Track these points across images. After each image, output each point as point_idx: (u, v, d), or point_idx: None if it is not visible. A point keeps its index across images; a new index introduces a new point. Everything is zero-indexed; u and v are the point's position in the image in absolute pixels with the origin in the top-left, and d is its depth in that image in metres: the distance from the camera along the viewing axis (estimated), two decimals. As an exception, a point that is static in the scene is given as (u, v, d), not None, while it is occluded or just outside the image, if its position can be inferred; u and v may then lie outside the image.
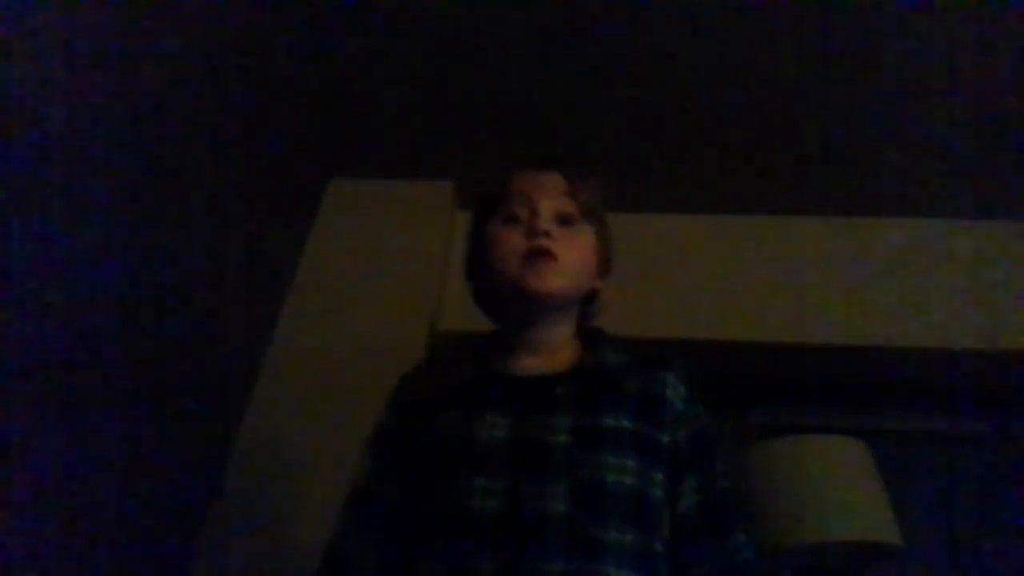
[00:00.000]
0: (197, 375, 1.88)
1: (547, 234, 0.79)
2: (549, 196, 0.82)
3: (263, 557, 1.32)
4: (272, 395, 1.55)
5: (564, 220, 0.82)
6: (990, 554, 1.61)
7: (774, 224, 1.89)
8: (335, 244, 1.81)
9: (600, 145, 1.75)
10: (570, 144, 1.75)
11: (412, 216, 1.85)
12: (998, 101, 1.52)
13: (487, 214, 0.86)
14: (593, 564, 0.64)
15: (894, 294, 1.73)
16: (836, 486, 1.26)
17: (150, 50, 1.54)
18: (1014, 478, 1.68)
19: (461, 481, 0.69)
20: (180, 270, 1.94)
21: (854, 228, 1.85)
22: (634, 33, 1.47)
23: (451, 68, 1.60)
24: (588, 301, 0.87)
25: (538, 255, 0.78)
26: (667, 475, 0.73)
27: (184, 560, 1.36)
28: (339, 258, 1.78)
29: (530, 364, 0.80)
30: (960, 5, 1.34)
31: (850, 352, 1.69)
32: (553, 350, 0.81)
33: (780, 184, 1.82)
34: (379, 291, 1.71)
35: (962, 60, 1.45)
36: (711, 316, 1.74)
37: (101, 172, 1.71)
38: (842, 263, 1.80)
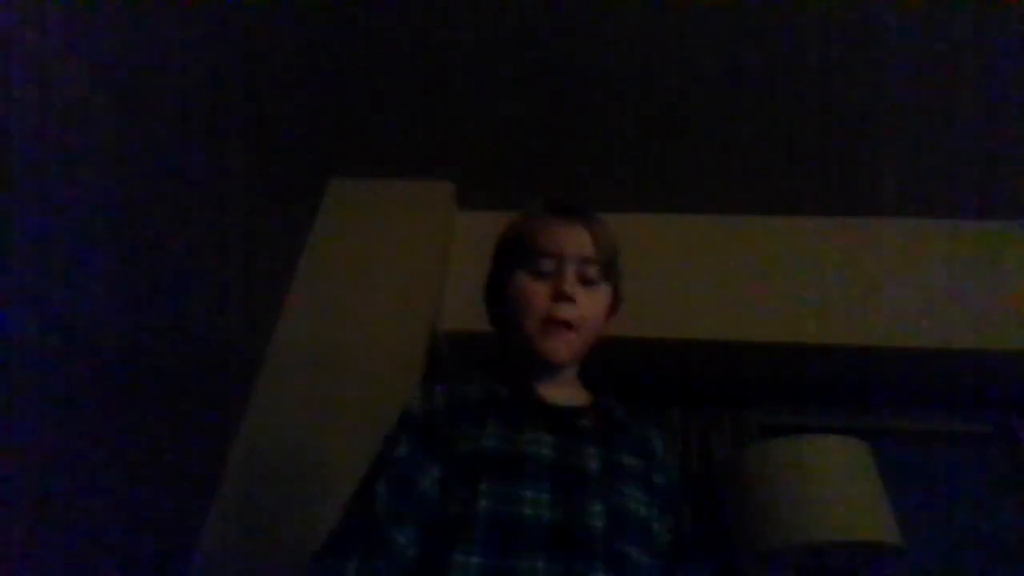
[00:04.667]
0: (197, 374, 1.88)
1: (571, 299, 0.86)
2: (575, 255, 0.89)
3: (263, 557, 1.32)
4: (272, 395, 1.55)
5: (586, 282, 0.90)
6: (990, 554, 1.61)
7: (774, 224, 1.89)
8: (335, 243, 1.81)
9: (600, 145, 1.75)
10: (570, 144, 1.75)
11: (412, 216, 1.85)
12: (998, 101, 1.52)
13: (514, 258, 0.91)
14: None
15: (894, 294, 1.73)
16: (836, 486, 1.26)
17: (150, 50, 1.54)
18: (1014, 478, 1.68)
19: (510, 489, 0.75)
20: (180, 269, 1.94)
21: (854, 228, 1.86)
22: (634, 33, 1.47)
23: (451, 69, 1.60)
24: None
25: (559, 324, 0.86)
26: (657, 511, 0.85)
27: (184, 560, 1.36)
28: (339, 257, 1.78)
29: (556, 393, 0.88)
30: (961, 5, 1.34)
31: (850, 352, 1.69)
32: (564, 384, 0.91)
33: (780, 184, 1.82)
34: (379, 291, 1.71)
35: (962, 60, 1.45)
36: (711, 316, 1.74)
37: (101, 171, 1.71)
38: (842, 263, 1.80)
